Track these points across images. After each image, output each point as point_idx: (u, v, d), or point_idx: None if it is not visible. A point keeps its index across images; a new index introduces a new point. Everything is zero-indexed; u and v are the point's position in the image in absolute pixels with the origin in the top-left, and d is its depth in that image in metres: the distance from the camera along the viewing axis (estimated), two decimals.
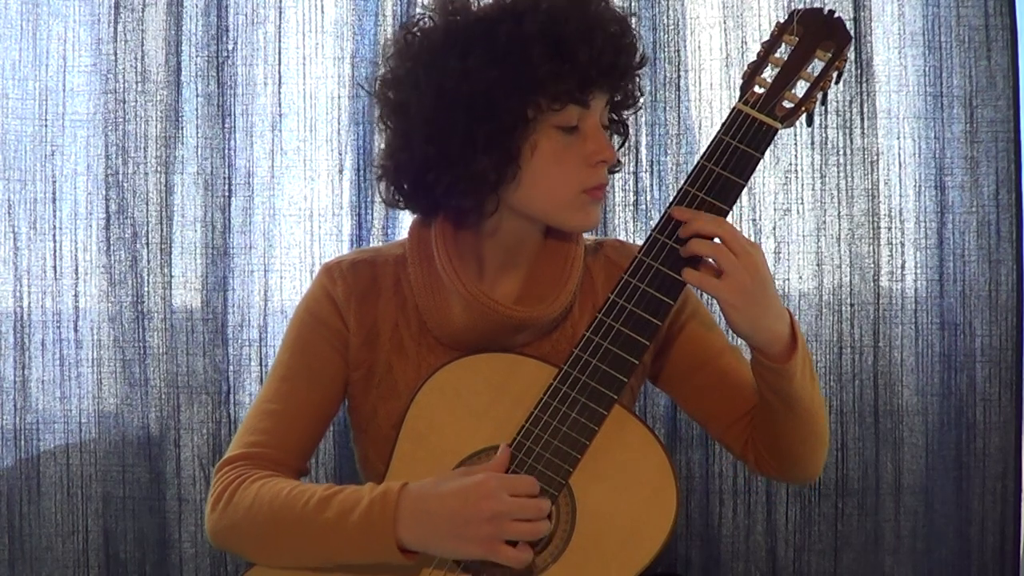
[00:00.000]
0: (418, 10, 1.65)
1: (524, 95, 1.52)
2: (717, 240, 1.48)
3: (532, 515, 1.45)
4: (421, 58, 1.56)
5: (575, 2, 1.54)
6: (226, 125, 2.27)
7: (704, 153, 1.54)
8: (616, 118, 1.67)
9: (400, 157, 1.60)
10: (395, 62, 1.61)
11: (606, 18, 1.56)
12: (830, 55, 1.56)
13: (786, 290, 2.27)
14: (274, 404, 1.66)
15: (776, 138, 1.57)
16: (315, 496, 1.51)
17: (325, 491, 1.51)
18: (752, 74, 1.57)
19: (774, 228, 2.28)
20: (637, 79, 1.64)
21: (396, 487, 1.47)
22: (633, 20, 1.62)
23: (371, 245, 2.26)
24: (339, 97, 2.28)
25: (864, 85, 2.26)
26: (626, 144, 1.72)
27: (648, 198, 2.28)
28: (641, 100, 1.69)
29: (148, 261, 2.28)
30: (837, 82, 1.59)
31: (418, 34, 1.58)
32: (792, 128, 1.58)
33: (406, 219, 1.93)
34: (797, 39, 1.57)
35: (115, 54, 2.26)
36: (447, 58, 1.53)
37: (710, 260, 1.49)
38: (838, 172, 2.27)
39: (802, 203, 2.27)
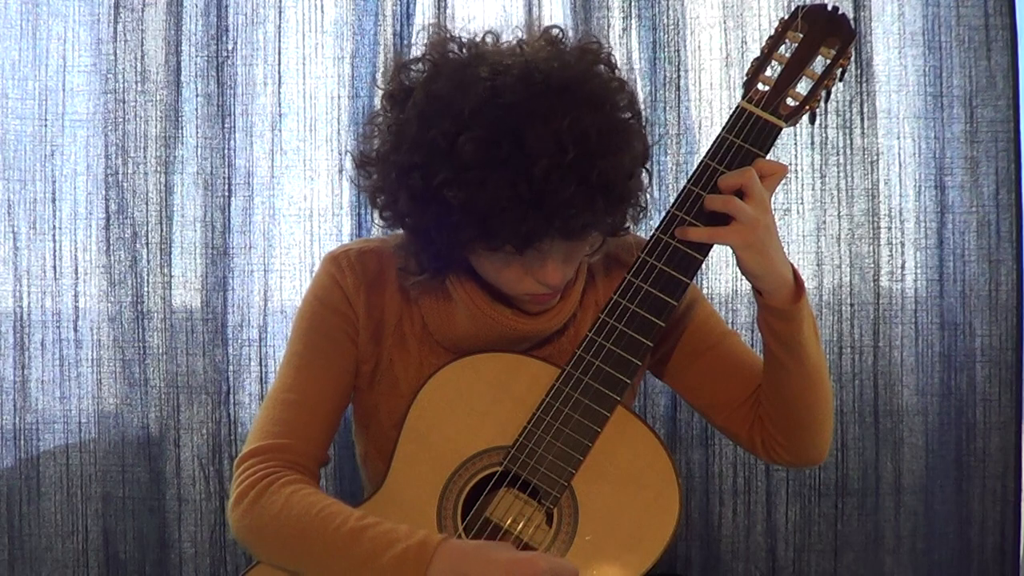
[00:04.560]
0: (414, 52, 1.58)
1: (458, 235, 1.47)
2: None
3: None
4: (390, 150, 1.51)
5: (539, 153, 1.40)
6: (226, 125, 2.27)
7: (708, 152, 1.55)
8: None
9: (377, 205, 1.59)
10: (378, 124, 1.56)
11: (573, 171, 1.41)
12: (834, 52, 1.56)
13: None
14: (292, 394, 1.63)
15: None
16: (347, 524, 1.47)
17: (358, 521, 1.47)
18: (756, 71, 1.56)
19: None
20: (630, 203, 1.56)
21: (436, 539, 1.43)
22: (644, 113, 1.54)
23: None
24: (339, 97, 2.27)
25: (864, 85, 2.26)
26: None
27: (648, 198, 2.26)
28: (642, 216, 1.64)
29: (148, 261, 2.27)
30: (841, 79, 1.58)
31: (399, 98, 1.51)
32: (792, 128, 1.58)
33: None
34: (801, 36, 1.56)
35: (115, 54, 2.25)
36: (409, 169, 1.47)
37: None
38: (838, 172, 2.27)
39: (802, 203, 2.27)
